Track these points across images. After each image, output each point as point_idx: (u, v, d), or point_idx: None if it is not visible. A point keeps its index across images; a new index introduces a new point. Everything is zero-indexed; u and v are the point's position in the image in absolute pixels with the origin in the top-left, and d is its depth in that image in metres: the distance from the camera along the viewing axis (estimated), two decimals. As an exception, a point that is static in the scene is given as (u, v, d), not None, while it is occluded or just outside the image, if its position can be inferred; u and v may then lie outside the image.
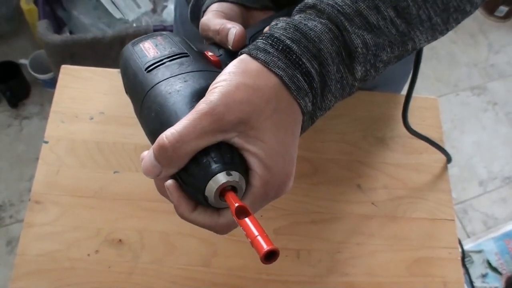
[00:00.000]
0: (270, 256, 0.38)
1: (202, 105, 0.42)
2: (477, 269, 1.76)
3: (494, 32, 2.43)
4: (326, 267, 0.72)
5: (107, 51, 1.60)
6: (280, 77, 0.43)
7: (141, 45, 0.53)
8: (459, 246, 0.76)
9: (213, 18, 0.55)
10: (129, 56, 0.53)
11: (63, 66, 0.82)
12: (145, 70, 0.49)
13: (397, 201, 0.77)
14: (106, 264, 0.69)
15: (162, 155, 0.41)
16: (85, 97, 0.80)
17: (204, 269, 0.69)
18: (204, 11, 0.58)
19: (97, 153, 0.75)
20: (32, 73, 1.93)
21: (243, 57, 0.45)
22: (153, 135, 0.46)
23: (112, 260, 0.69)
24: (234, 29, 0.52)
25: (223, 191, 0.42)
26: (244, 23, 0.56)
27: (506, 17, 2.45)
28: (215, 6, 0.57)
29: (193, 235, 0.71)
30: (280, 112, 0.43)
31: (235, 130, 0.42)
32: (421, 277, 0.72)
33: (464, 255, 1.75)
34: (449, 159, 0.80)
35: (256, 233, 0.39)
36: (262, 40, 0.45)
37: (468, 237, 1.87)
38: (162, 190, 0.45)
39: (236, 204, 0.41)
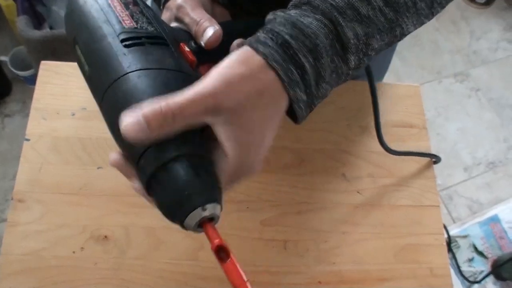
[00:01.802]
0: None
1: (204, 87, 0.43)
2: (463, 254, 1.78)
3: (476, 19, 2.45)
4: (313, 256, 0.72)
5: (88, 46, 1.59)
6: (276, 70, 0.45)
7: (109, 0, 0.48)
8: (444, 232, 0.76)
9: (194, 6, 0.55)
10: (92, 9, 0.47)
11: (43, 62, 0.81)
12: (121, 41, 0.45)
13: (382, 189, 0.77)
14: (92, 261, 0.68)
15: (157, 118, 0.41)
16: (67, 93, 0.79)
17: (191, 262, 0.69)
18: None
19: (80, 149, 0.75)
20: (13, 70, 1.91)
21: (245, 48, 0.46)
22: (116, 135, 0.44)
23: (98, 256, 0.68)
24: (213, 29, 0.53)
25: (202, 221, 0.42)
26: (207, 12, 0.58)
27: (487, 3, 2.46)
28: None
29: (179, 229, 0.70)
30: (269, 105, 0.46)
31: (224, 116, 0.43)
32: (408, 263, 0.73)
33: (450, 240, 1.77)
34: (438, 160, 0.81)
35: (244, 279, 0.40)
36: (263, 34, 0.47)
37: (454, 222, 1.89)
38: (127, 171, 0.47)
39: (216, 241, 0.42)
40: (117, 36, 0.46)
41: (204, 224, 0.42)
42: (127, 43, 0.45)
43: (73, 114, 0.77)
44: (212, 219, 0.43)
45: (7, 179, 1.81)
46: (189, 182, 0.41)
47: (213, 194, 0.42)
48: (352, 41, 0.47)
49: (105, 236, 0.69)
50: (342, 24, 0.47)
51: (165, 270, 0.68)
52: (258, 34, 0.48)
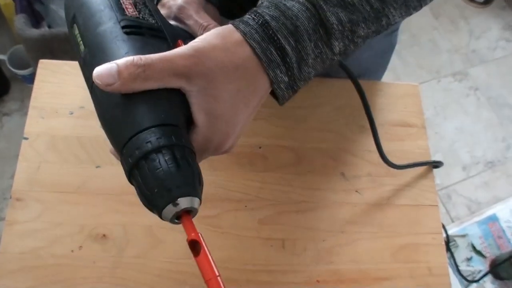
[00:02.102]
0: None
1: (178, 51, 0.44)
2: (462, 253, 1.78)
3: (475, 18, 2.45)
4: (311, 255, 0.72)
5: (86, 45, 1.58)
6: (253, 48, 0.46)
7: None
8: (443, 231, 0.76)
9: (198, 9, 0.56)
10: None
11: (41, 60, 0.81)
12: (122, 27, 0.46)
13: (381, 188, 0.77)
14: (90, 259, 0.68)
15: (130, 70, 0.42)
16: (65, 91, 0.78)
17: (189, 261, 0.69)
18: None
19: (78, 148, 0.74)
20: (11, 69, 1.90)
21: (227, 26, 0.48)
22: (105, 129, 0.45)
23: (96, 255, 0.68)
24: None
25: (180, 213, 0.42)
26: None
27: (486, 2, 2.46)
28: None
29: (177, 229, 0.70)
30: (243, 80, 0.47)
31: (198, 84, 0.45)
32: (406, 263, 0.73)
33: (448, 239, 1.77)
34: (440, 164, 0.81)
35: (216, 273, 0.41)
36: (247, 15, 0.48)
37: (453, 221, 1.89)
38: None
39: (192, 235, 0.42)
40: (119, 22, 0.46)
41: (181, 217, 0.43)
42: (127, 30, 0.46)
43: (71, 113, 0.77)
44: (189, 212, 0.43)
45: (5, 178, 1.81)
46: (168, 174, 0.41)
47: (192, 187, 0.42)
48: (335, 26, 0.48)
49: (104, 235, 0.69)
50: (324, 8, 0.48)
51: (164, 269, 0.68)
52: (244, 16, 0.49)
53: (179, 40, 0.51)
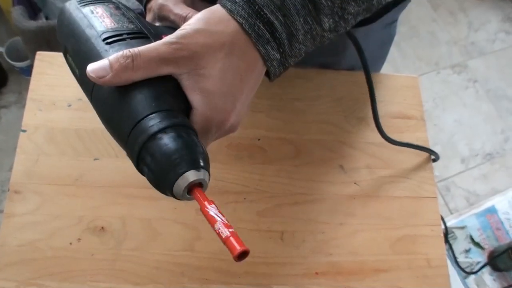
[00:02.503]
0: (242, 256, 0.41)
1: (163, 40, 0.46)
2: (460, 245, 1.78)
3: (474, 10, 2.44)
4: (310, 247, 0.72)
5: (84, 37, 1.58)
6: (240, 24, 0.47)
7: (91, 7, 0.51)
8: (441, 223, 0.76)
9: (176, 2, 0.56)
10: (77, 18, 0.51)
11: (38, 52, 0.80)
12: (103, 40, 0.48)
13: (380, 180, 0.77)
14: (89, 252, 0.68)
15: (119, 61, 0.45)
16: (62, 83, 0.78)
17: (188, 253, 0.69)
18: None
19: (76, 140, 0.74)
20: (9, 61, 1.90)
21: (214, 6, 0.49)
22: (108, 129, 0.47)
23: (95, 248, 0.68)
24: None
25: (190, 187, 0.43)
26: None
27: (485, -6, 2.45)
28: None
29: (176, 220, 0.70)
30: (232, 56, 0.47)
31: (186, 67, 0.46)
32: (405, 255, 0.73)
33: (447, 231, 1.77)
34: (436, 157, 0.81)
35: (228, 233, 0.41)
36: None
37: (451, 213, 1.89)
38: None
39: (206, 202, 0.43)
40: (99, 36, 0.48)
41: (193, 190, 0.44)
42: (108, 40, 0.48)
43: (69, 105, 0.77)
44: (200, 185, 0.44)
45: (3, 170, 1.81)
46: (174, 151, 0.42)
47: (199, 160, 0.43)
48: (324, 2, 0.48)
49: (102, 227, 0.69)
50: None
51: (162, 261, 0.68)
52: None
53: (162, 36, 0.52)
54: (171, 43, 0.46)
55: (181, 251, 0.69)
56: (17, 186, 0.71)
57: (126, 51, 0.45)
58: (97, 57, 0.47)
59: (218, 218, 0.42)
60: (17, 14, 1.57)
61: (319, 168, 0.77)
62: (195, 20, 0.47)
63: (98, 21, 0.50)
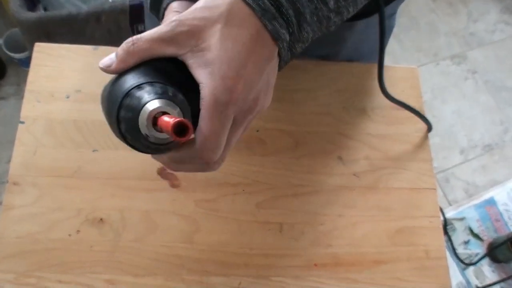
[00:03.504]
0: (180, 131, 0.40)
1: (163, 23, 0.48)
2: (459, 236, 1.78)
3: (473, 1, 2.43)
4: (309, 239, 0.72)
5: (82, 28, 1.58)
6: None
7: None
8: (440, 215, 0.77)
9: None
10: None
11: (36, 44, 0.80)
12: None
13: (379, 171, 0.77)
14: (88, 244, 0.68)
15: (122, 47, 0.47)
16: (61, 75, 0.78)
17: (186, 245, 0.69)
18: (165, 8, 0.59)
19: (75, 132, 0.74)
20: (7, 52, 1.89)
21: None
22: (108, 119, 0.48)
23: (93, 239, 0.68)
24: None
25: (155, 119, 0.43)
26: None
27: (484, -15, 2.45)
28: (175, 6, 0.57)
29: (174, 212, 0.70)
30: (231, 26, 0.46)
31: (188, 45, 0.46)
32: (404, 246, 0.73)
33: (446, 223, 1.77)
34: (429, 127, 0.80)
35: (167, 118, 0.41)
36: None
37: (450, 205, 1.90)
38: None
39: (172, 120, 0.40)
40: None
41: (158, 120, 0.43)
42: None
43: (68, 97, 0.76)
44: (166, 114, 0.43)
45: (2, 162, 1.81)
46: (140, 97, 0.43)
47: (160, 92, 0.44)
48: None
49: (101, 219, 0.69)
50: None
51: (161, 253, 0.68)
52: None
53: None
54: (170, 21, 0.47)
55: (180, 243, 0.69)
56: (16, 178, 0.70)
57: (129, 39, 0.47)
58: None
59: (166, 118, 0.41)
60: (16, 5, 1.56)
61: (318, 159, 0.77)
62: (197, 2, 0.48)
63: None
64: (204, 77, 0.46)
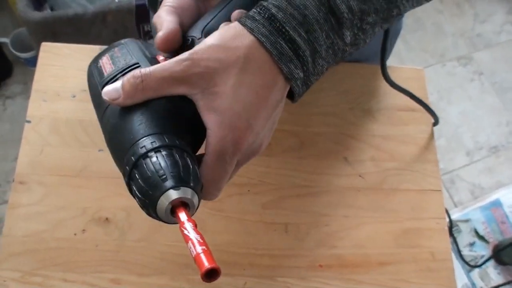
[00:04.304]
0: (211, 275, 0.38)
1: (175, 58, 0.45)
2: (464, 238, 1.78)
3: (480, 2, 2.42)
4: (314, 240, 0.72)
5: (89, 28, 1.58)
6: (262, 42, 0.45)
7: (100, 61, 0.53)
8: (446, 216, 0.76)
9: (162, 16, 0.53)
10: (90, 76, 0.53)
11: (43, 43, 0.80)
12: (101, 89, 0.49)
13: (384, 173, 0.77)
14: (93, 243, 0.68)
15: (130, 82, 0.45)
16: (67, 74, 0.78)
17: (192, 245, 0.69)
18: (161, 2, 0.57)
19: (81, 131, 0.74)
20: (14, 51, 1.90)
21: (233, 23, 0.47)
22: (113, 157, 0.48)
23: (99, 238, 0.68)
24: (160, 32, 0.50)
25: (174, 207, 0.42)
26: (202, 13, 0.55)
27: (491, -14, 2.44)
28: (169, 0, 0.55)
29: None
30: (246, 72, 0.45)
31: (199, 86, 0.45)
32: (409, 248, 0.73)
33: (451, 224, 1.77)
34: (435, 120, 0.80)
35: (199, 250, 0.39)
36: (253, 9, 0.47)
37: (456, 206, 1.89)
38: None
39: (185, 220, 0.41)
40: (99, 85, 0.50)
41: (176, 210, 0.42)
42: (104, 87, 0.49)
43: (74, 96, 0.77)
44: (186, 206, 0.42)
45: (8, 161, 1.81)
46: (161, 168, 0.41)
47: (182, 179, 0.42)
48: (346, 15, 0.47)
49: (106, 218, 0.69)
50: None
51: (166, 252, 0.68)
52: (250, 11, 0.47)
53: (156, 57, 0.52)
54: (182, 60, 0.44)
55: (185, 242, 0.69)
56: (22, 177, 0.71)
57: (137, 71, 0.45)
58: (99, 109, 0.49)
59: (192, 236, 0.40)
60: (22, 5, 1.57)
61: (323, 160, 0.77)
62: (211, 36, 0.46)
63: (101, 71, 0.51)
64: (213, 124, 0.45)
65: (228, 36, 0.46)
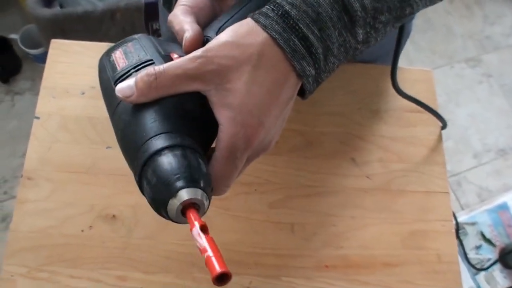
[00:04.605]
0: (222, 279, 0.39)
1: (189, 55, 0.45)
2: (471, 241, 1.77)
3: (490, 3, 2.41)
4: (321, 240, 0.72)
5: (98, 25, 1.59)
6: (275, 39, 0.45)
7: (112, 55, 0.53)
8: (453, 219, 0.76)
9: (178, 15, 0.53)
10: (102, 69, 0.53)
11: (53, 40, 0.80)
12: (114, 84, 0.49)
13: (392, 174, 0.77)
14: (100, 239, 0.68)
15: (143, 79, 0.45)
16: (76, 71, 0.78)
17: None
18: (176, 1, 0.57)
19: (89, 128, 0.75)
20: (23, 48, 1.91)
21: (246, 20, 0.47)
22: (124, 153, 0.48)
23: (106, 235, 0.69)
24: (188, 33, 0.50)
25: (185, 208, 0.42)
26: (218, 13, 0.56)
27: (501, -12, 2.43)
28: None
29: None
30: (260, 69, 0.45)
31: (213, 83, 0.45)
32: (415, 250, 0.73)
33: (458, 227, 1.76)
34: (443, 124, 0.80)
35: (211, 253, 0.39)
36: (266, 6, 0.47)
37: (462, 209, 1.88)
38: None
39: (196, 222, 0.41)
40: (113, 82, 0.49)
41: (186, 211, 0.42)
42: (117, 82, 0.49)
43: (83, 93, 0.77)
44: (196, 207, 0.43)
45: (16, 157, 1.82)
46: (174, 168, 0.42)
47: (198, 180, 0.42)
48: (359, 13, 0.47)
49: (113, 216, 0.70)
50: None
51: (172, 250, 0.68)
52: (264, 7, 0.48)
53: (170, 54, 0.51)
54: (196, 57, 0.45)
55: (191, 240, 0.69)
56: (30, 173, 0.71)
57: (150, 69, 0.45)
58: (110, 104, 0.49)
59: (203, 239, 0.41)
60: (32, 2, 1.58)
61: (331, 160, 0.77)
62: (224, 33, 0.46)
63: (114, 66, 0.51)
64: (225, 120, 0.45)
65: (241, 32, 0.46)
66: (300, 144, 0.77)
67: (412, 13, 0.52)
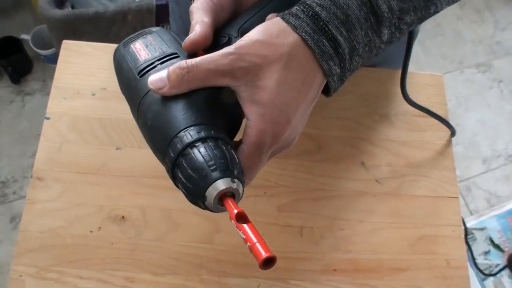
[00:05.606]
0: (268, 263, 0.41)
1: (221, 51, 0.46)
2: (479, 246, 1.76)
3: (501, 9, 2.40)
4: (329, 244, 0.71)
5: (109, 26, 1.59)
6: (305, 40, 0.47)
7: (132, 46, 0.54)
8: (462, 224, 0.76)
9: (197, 10, 0.53)
10: (121, 59, 0.54)
11: (64, 41, 0.81)
12: (138, 75, 0.50)
13: (401, 178, 0.77)
14: (108, 240, 0.69)
15: (176, 72, 0.46)
16: (87, 72, 0.79)
17: (207, 245, 0.69)
18: None
19: (99, 129, 0.75)
20: (34, 48, 1.92)
21: (276, 19, 0.49)
22: (151, 143, 0.48)
23: (114, 236, 0.69)
24: (193, 35, 0.51)
25: (222, 196, 0.44)
26: (238, 9, 0.56)
27: (513, -7, 2.42)
28: None
29: (195, 212, 0.70)
30: (290, 68, 0.47)
31: (244, 79, 0.46)
32: (424, 254, 0.72)
33: (466, 232, 1.75)
34: (452, 131, 0.80)
35: (254, 240, 0.41)
36: (296, 7, 0.48)
37: (471, 214, 1.88)
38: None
39: (236, 211, 0.43)
40: (135, 70, 0.51)
41: (224, 199, 0.44)
42: (141, 73, 0.50)
43: (93, 94, 0.77)
44: (232, 196, 0.44)
45: (26, 157, 1.83)
46: (209, 159, 0.43)
47: (229, 170, 0.44)
48: (386, 14, 0.48)
49: (122, 217, 0.70)
50: None
51: (181, 252, 0.69)
52: (293, 8, 0.49)
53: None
54: (228, 53, 0.46)
55: (200, 243, 0.69)
56: (40, 173, 0.71)
57: (183, 62, 0.46)
58: (135, 95, 0.50)
59: (246, 227, 0.42)
60: (44, 3, 1.59)
61: (340, 164, 0.77)
62: (255, 31, 0.47)
63: (135, 57, 0.52)
64: (254, 117, 0.47)
65: (272, 32, 0.47)
66: (309, 147, 0.77)
67: (436, 12, 0.53)
